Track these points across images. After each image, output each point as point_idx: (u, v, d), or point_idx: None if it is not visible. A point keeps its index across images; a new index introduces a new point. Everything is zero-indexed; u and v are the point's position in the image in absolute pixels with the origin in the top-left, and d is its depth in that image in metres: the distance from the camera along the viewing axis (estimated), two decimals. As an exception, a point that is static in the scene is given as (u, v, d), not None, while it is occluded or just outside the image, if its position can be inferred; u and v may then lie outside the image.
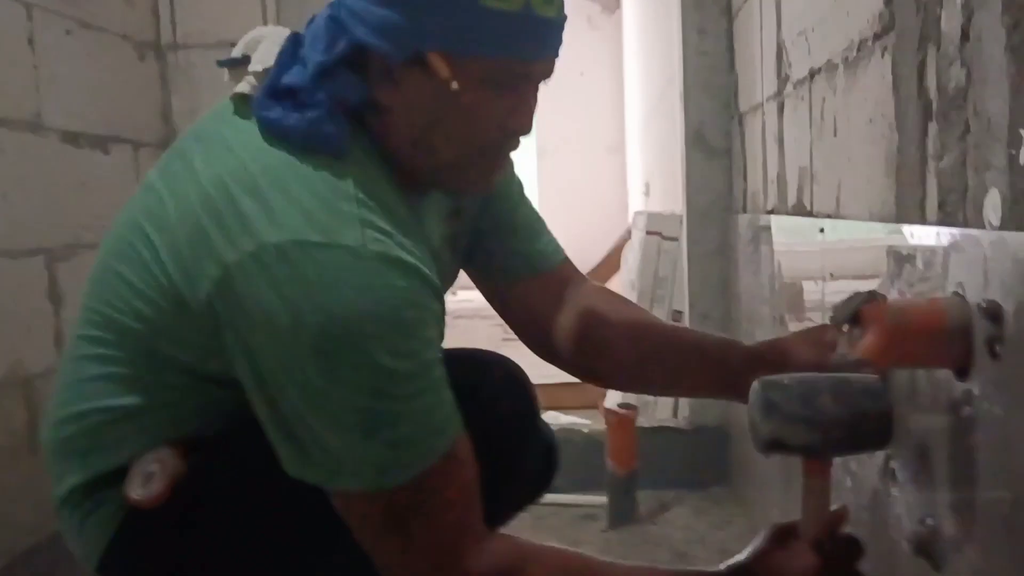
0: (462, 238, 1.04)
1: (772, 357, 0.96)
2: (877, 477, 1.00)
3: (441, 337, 0.84)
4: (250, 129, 0.82)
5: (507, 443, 1.00)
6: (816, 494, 0.82)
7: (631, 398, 2.27)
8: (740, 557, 0.88)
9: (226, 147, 0.82)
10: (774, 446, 0.79)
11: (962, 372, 0.76)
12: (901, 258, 0.90)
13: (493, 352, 1.09)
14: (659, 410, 2.52)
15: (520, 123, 0.84)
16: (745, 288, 1.93)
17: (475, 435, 0.83)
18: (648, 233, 2.54)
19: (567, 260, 1.12)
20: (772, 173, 1.71)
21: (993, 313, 0.68)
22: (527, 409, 1.06)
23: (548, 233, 1.11)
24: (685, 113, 2.22)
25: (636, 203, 5.98)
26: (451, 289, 1.04)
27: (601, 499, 2.12)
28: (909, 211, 0.97)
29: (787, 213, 1.58)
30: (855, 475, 1.10)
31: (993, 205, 0.76)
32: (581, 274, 1.13)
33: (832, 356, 0.91)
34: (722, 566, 0.88)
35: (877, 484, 1.00)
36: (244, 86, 0.85)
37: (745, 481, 2.09)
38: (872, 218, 1.09)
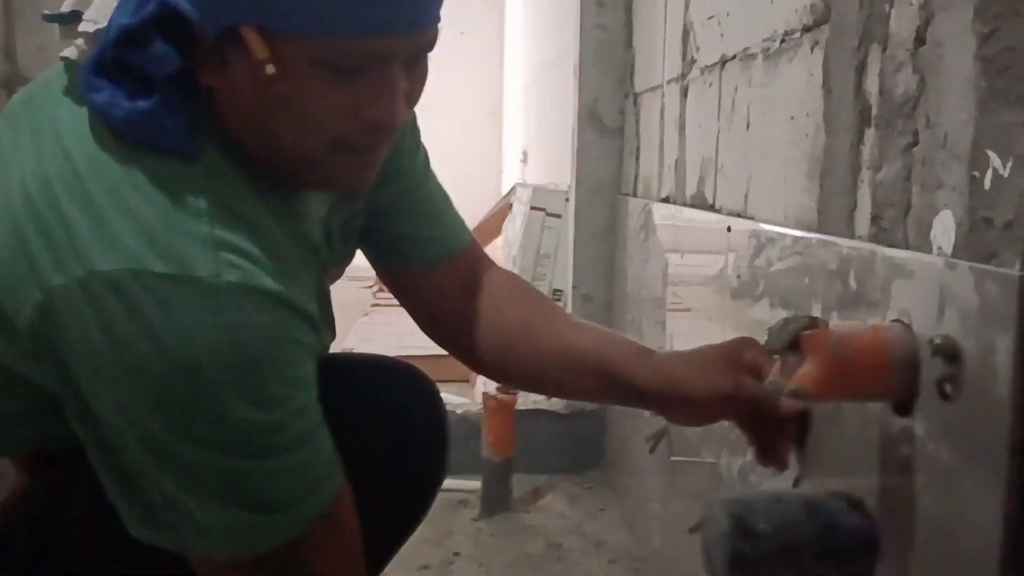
0: (358, 218, 0.91)
1: (675, 389, 0.86)
2: (783, 497, 0.95)
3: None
4: (82, 116, 0.66)
5: (418, 482, 0.91)
6: None
7: (509, 381, 2.19)
8: None
9: (56, 137, 0.66)
10: None
11: (903, 407, 0.70)
12: (829, 274, 0.84)
13: (397, 361, 0.99)
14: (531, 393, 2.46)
15: (378, 113, 0.68)
16: (634, 274, 1.87)
17: (383, 468, 0.72)
18: (532, 208, 2.46)
19: (473, 241, 1.01)
20: (670, 159, 1.65)
21: (949, 351, 0.62)
22: (440, 435, 0.97)
23: (454, 213, 1.00)
24: (579, 88, 2.13)
25: (512, 170, 5.91)
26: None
27: (474, 484, 2.04)
28: (833, 221, 0.91)
29: (685, 204, 1.52)
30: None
31: (944, 228, 0.70)
32: (486, 255, 1.03)
33: (749, 383, 0.83)
34: None
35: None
36: (72, 51, 0.68)
37: (620, 467, 2.05)
38: (787, 222, 1.03)
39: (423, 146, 0.97)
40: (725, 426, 1.21)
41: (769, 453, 0.87)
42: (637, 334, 1.79)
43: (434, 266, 0.96)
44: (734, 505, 0.69)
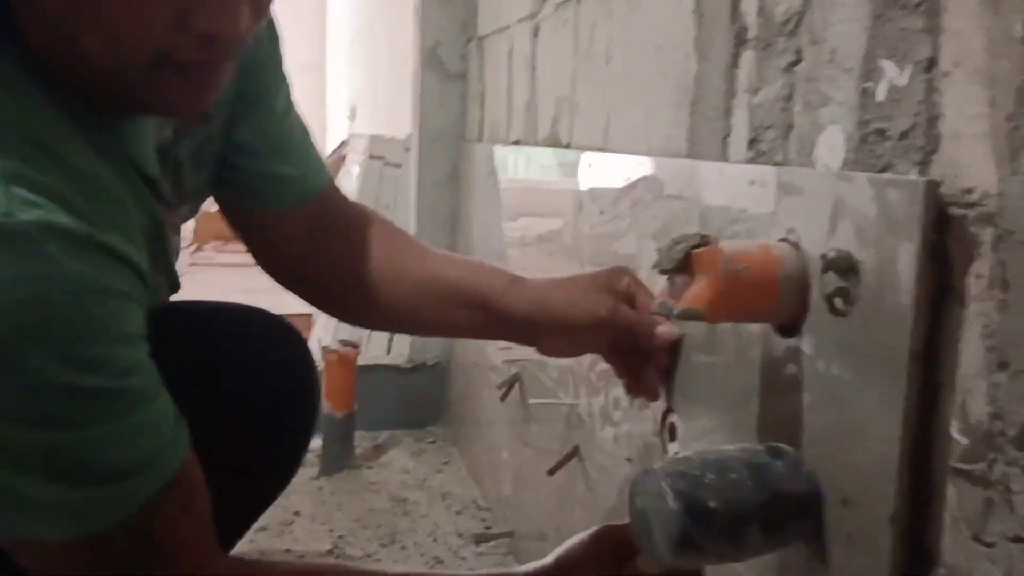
0: (213, 143, 0.80)
1: (551, 315, 0.83)
2: (652, 431, 0.94)
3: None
4: None
5: (289, 443, 0.83)
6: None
7: (349, 332, 2.11)
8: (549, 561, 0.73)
9: None
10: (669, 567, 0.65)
11: (787, 328, 0.69)
12: (706, 198, 0.82)
13: (259, 309, 0.89)
14: (372, 346, 2.38)
15: (212, 23, 0.56)
16: (480, 222, 1.83)
17: (248, 429, 0.64)
18: (371, 157, 2.37)
19: (331, 180, 0.93)
20: (519, 101, 1.61)
21: (843, 265, 0.62)
22: (311, 392, 0.89)
23: (315, 149, 0.91)
24: (420, 32, 2.05)
25: (338, 127, 5.71)
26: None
27: (314, 443, 1.95)
28: (705, 150, 0.90)
29: (536, 144, 1.49)
30: (623, 433, 1.04)
31: (831, 145, 0.69)
32: (341, 192, 0.95)
33: (625, 311, 0.83)
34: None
35: (650, 439, 0.94)
36: None
37: (464, 420, 2.02)
38: (653, 155, 1.01)
39: (285, 79, 0.87)
40: (583, 367, 1.19)
41: (640, 383, 0.86)
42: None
43: (294, 207, 0.87)
44: (680, 481, 0.62)
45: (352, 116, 5.05)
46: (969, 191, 0.55)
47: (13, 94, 0.57)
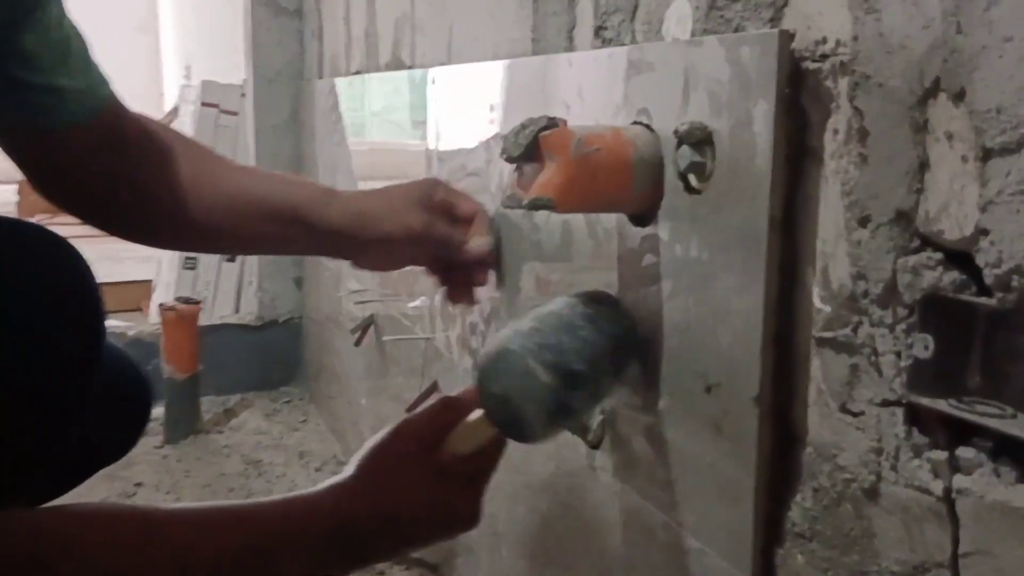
0: None
1: (367, 229, 0.80)
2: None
3: None
4: None
5: (66, 378, 0.71)
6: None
7: (190, 290, 1.97)
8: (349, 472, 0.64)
9: None
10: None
11: (643, 217, 0.65)
12: (553, 91, 0.77)
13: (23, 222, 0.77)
14: (219, 306, 2.25)
15: None
16: (326, 161, 1.72)
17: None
18: (204, 105, 2.21)
19: (115, 93, 0.82)
20: (358, 30, 1.51)
21: (697, 137, 0.57)
22: (92, 311, 0.77)
23: (96, 62, 0.79)
24: (248, -37, 1.91)
25: (175, 92, 5.40)
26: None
27: (155, 410, 1.82)
28: (551, 46, 0.85)
29: (378, 70, 1.40)
30: (467, 347, 0.98)
31: (679, 18, 0.65)
32: (131, 111, 0.84)
33: (440, 224, 0.81)
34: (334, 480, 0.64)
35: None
36: None
37: (320, 376, 1.93)
38: (499, 58, 0.95)
39: None
40: (435, 305, 1.13)
41: (458, 293, 0.86)
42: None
43: (80, 122, 0.76)
44: (545, 353, 0.59)
45: (188, 76, 4.77)
46: (822, 41, 0.52)
47: None
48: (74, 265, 0.78)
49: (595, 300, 0.64)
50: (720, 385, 0.58)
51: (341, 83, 1.54)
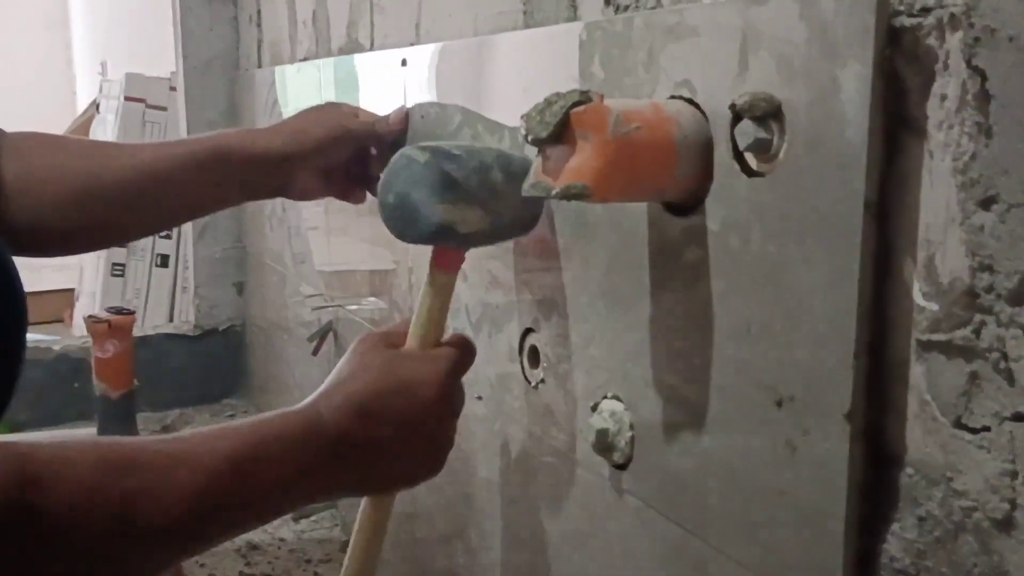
0: None
1: (304, 143, 0.84)
2: (506, 358, 0.79)
3: None
4: None
5: None
6: (443, 290, 0.70)
7: (120, 300, 1.82)
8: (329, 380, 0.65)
9: None
10: (440, 235, 0.65)
11: (682, 206, 0.57)
12: (562, 65, 0.68)
13: None
14: (151, 315, 2.10)
15: None
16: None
17: None
18: (128, 99, 2.06)
19: None
20: (304, 12, 1.40)
21: (763, 109, 0.49)
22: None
23: None
24: (175, -56, 1.77)
25: (88, 90, 5.15)
26: None
27: (88, 431, 1.67)
28: (548, 15, 0.76)
29: (330, 55, 1.29)
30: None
31: (723, -25, 0.56)
32: None
33: (357, 121, 0.88)
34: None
35: (504, 368, 0.80)
36: None
37: (267, 387, 1.80)
38: (484, 34, 0.86)
39: None
40: (407, 304, 1.03)
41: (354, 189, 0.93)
42: (282, 230, 1.54)
43: None
44: (426, 145, 0.68)
45: (103, 72, 4.53)
46: (925, -8, 0.44)
47: None
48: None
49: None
50: (795, 399, 0.50)
51: (288, 70, 1.42)
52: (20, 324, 0.66)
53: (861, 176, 0.44)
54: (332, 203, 1.26)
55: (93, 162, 0.78)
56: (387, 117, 0.89)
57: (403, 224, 0.66)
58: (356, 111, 0.89)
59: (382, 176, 0.67)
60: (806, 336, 0.48)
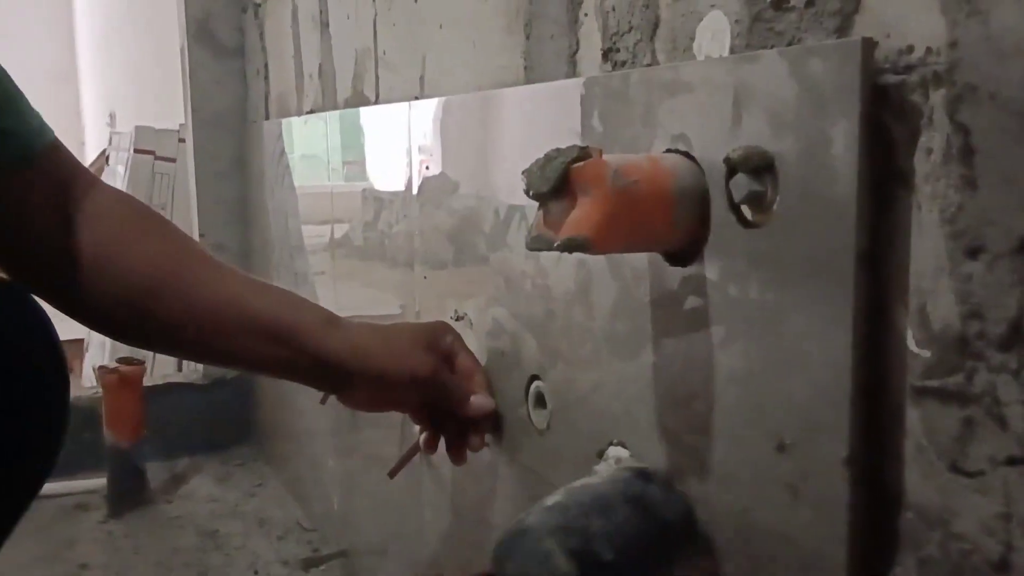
0: None
1: (367, 366, 0.74)
2: (511, 412, 0.81)
3: None
4: None
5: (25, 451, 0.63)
6: None
7: (129, 349, 1.84)
8: None
9: None
10: None
11: (681, 255, 0.58)
12: (561, 121, 0.70)
13: None
14: (160, 364, 2.11)
15: None
16: (276, 207, 1.63)
17: None
18: (137, 151, 2.09)
19: (60, 143, 0.73)
20: (311, 66, 1.43)
21: (756, 163, 0.51)
22: (56, 373, 0.68)
23: (27, 102, 0.70)
24: (186, 3, 1.81)
25: (97, 140, 5.22)
26: None
27: (96, 482, 1.68)
28: (549, 72, 0.78)
29: (335, 108, 1.32)
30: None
31: (715, 32, 0.58)
32: (84, 167, 0.75)
33: (446, 373, 0.76)
34: None
35: (511, 414, 0.81)
36: None
37: (275, 435, 1.81)
38: (485, 88, 0.88)
39: None
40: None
41: (449, 448, 0.81)
42: (289, 276, 1.56)
43: (14, 169, 0.67)
44: (569, 538, 0.52)
45: (112, 123, 4.60)
46: (907, 50, 0.46)
47: None
48: (26, 314, 0.69)
49: (642, 477, 0.56)
50: (796, 444, 0.51)
51: (295, 122, 1.45)
52: (64, 395, 0.69)
53: (852, 227, 0.46)
54: (339, 248, 1.29)
55: (184, 276, 0.72)
56: (473, 401, 0.78)
57: None
58: (452, 352, 0.79)
59: (508, 529, 0.55)
60: (804, 382, 0.50)
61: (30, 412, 0.67)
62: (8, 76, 0.69)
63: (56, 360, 0.69)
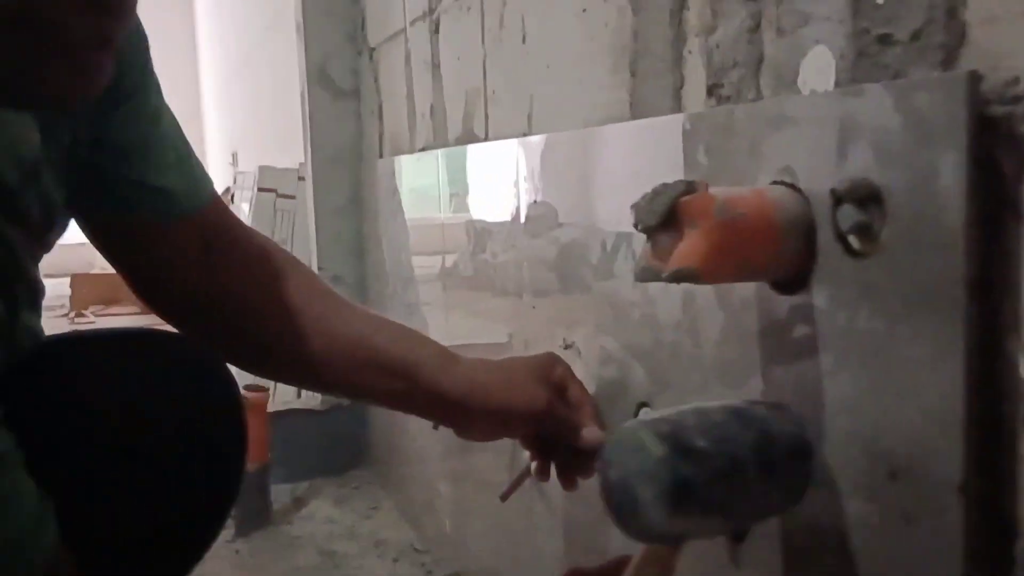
0: (80, 148, 0.67)
1: (485, 402, 0.76)
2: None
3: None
4: None
5: (210, 495, 0.70)
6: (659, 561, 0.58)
7: (253, 376, 1.93)
8: None
9: None
10: (664, 540, 0.56)
11: (789, 284, 0.60)
12: (669, 155, 0.72)
13: (160, 332, 0.75)
14: (281, 391, 2.21)
15: None
16: (390, 241, 1.69)
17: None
18: (260, 190, 2.21)
19: (218, 197, 0.79)
20: (423, 106, 1.49)
21: (862, 194, 0.52)
22: (236, 429, 0.76)
23: (197, 160, 0.77)
24: (306, 48, 1.91)
25: (221, 177, 5.50)
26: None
27: (224, 503, 1.77)
28: (655, 108, 0.80)
29: (447, 146, 1.37)
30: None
31: (819, 67, 0.60)
32: (236, 218, 0.82)
33: (560, 404, 0.77)
34: None
35: (621, 441, 0.83)
36: None
37: (389, 459, 1.87)
38: (592, 125, 0.91)
39: (155, 77, 0.74)
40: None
41: (561, 477, 0.81)
42: (402, 307, 1.62)
43: (173, 220, 0.74)
44: (658, 425, 0.54)
45: (234, 162, 4.84)
46: (1015, 82, 0.46)
47: None
48: (219, 383, 0.77)
49: (754, 403, 0.58)
50: (909, 470, 0.51)
51: (406, 160, 1.52)
52: (242, 472, 0.76)
53: (962, 256, 0.47)
54: (449, 277, 1.33)
55: (326, 317, 0.78)
56: (585, 434, 0.77)
57: (620, 513, 0.55)
58: (563, 384, 0.79)
59: (605, 444, 0.58)
60: (916, 409, 0.50)
61: (210, 485, 0.74)
62: (182, 135, 0.76)
63: (239, 438, 0.76)
